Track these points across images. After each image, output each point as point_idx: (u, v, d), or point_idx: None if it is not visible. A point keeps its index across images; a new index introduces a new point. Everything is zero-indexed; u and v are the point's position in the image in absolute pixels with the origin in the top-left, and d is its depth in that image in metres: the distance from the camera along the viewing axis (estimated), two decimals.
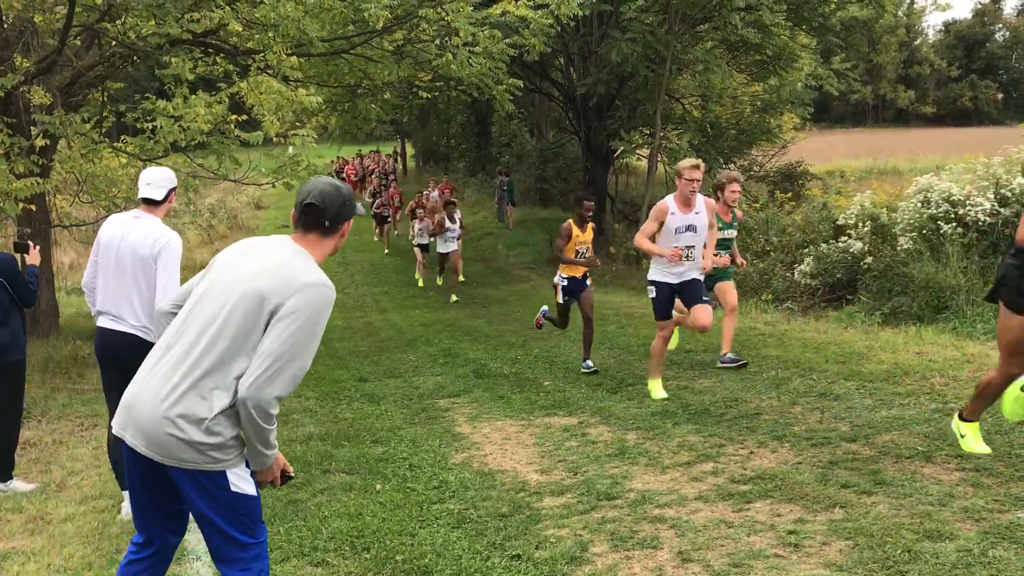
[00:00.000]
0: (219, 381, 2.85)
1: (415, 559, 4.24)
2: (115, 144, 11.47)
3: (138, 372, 3.03)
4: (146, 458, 2.93)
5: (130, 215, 5.13)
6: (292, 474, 3.21)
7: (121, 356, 4.91)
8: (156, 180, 5.11)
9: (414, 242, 18.77)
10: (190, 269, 21.81)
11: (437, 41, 12.42)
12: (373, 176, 28.91)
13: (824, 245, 11.53)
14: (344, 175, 31.72)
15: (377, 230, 24.71)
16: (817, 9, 18.88)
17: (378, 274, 20.37)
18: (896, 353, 8.01)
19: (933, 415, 5.94)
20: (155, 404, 2.86)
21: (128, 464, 3.03)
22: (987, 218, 9.98)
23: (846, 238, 11.21)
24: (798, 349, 8.66)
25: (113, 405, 5.20)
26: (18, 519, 5.32)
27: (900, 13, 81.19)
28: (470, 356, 10.12)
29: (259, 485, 3.05)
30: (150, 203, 5.09)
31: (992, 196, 10.14)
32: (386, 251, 23.42)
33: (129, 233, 4.97)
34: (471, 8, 12.25)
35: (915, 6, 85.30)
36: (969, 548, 3.77)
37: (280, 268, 2.92)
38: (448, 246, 16.58)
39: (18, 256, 6.14)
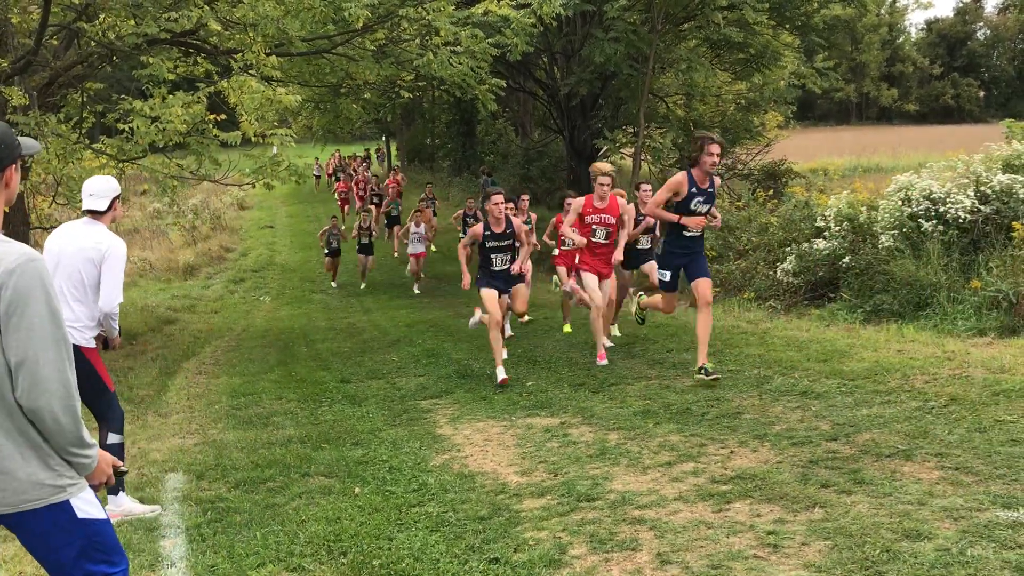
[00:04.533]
0: (10, 406, 2.55)
1: (392, 563, 4.20)
2: (94, 145, 11.37)
3: None
4: None
5: (80, 222, 5.19)
6: (124, 468, 2.94)
7: None
8: (98, 191, 5.13)
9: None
10: (173, 271, 21.72)
11: (418, 41, 12.37)
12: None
13: (806, 244, 11.54)
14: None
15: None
16: (800, 8, 18.95)
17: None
18: (877, 351, 8.02)
19: (914, 413, 5.94)
20: None
21: None
22: (967, 215, 10.01)
23: (822, 240, 11.23)
24: (780, 347, 8.66)
25: None
26: None
27: (883, 11, 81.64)
28: (453, 356, 10.08)
29: (95, 489, 2.76)
30: (94, 213, 5.11)
31: (972, 193, 10.17)
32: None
33: (77, 237, 5.06)
34: (453, 8, 12.20)
35: (898, 5, 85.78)
36: (948, 547, 3.76)
37: None
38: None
39: None
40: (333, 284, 19.77)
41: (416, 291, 18.23)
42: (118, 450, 5.15)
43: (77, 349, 4.94)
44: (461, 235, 18.17)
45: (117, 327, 5.19)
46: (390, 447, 6.38)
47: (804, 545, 3.97)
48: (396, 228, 21.93)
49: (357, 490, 5.40)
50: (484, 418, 7.10)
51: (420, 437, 6.64)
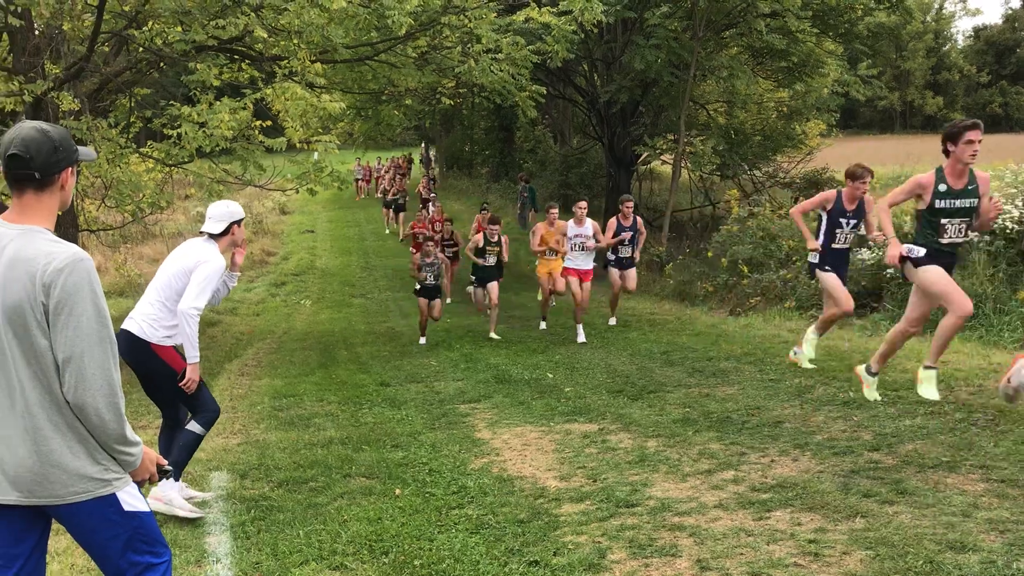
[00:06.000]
0: (59, 401, 2.66)
1: (433, 564, 4.24)
2: (141, 150, 11.60)
3: None
4: (18, 514, 2.70)
5: (199, 239, 5.38)
6: (168, 467, 3.00)
7: (124, 355, 5.08)
8: (217, 215, 5.32)
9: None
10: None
11: (460, 48, 12.46)
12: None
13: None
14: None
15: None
16: (843, 16, 18.75)
17: (401, 279, 20.41)
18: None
19: (958, 424, 5.87)
20: (22, 445, 2.64)
21: None
22: (1015, 225, 9.86)
23: (866, 250, 11.10)
24: (822, 357, 8.58)
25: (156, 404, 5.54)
26: None
27: (929, 19, 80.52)
28: (491, 361, 10.12)
29: (139, 485, 2.86)
30: (211, 235, 5.30)
31: (1020, 203, 10.02)
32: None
33: (185, 250, 5.30)
34: (494, 15, 12.28)
35: (944, 12, 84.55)
36: (993, 560, 3.72)
37: (23, 265, 2.59)
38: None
39: None
40: (423, 340, 12.28)
41: (542, 326, 12.76)
42: (193, 439, 5.23)
43: (146, 345, 5.09)
44: (610, 257, 12.38)
45: (195, 347, 5.10)
46: (430, 450, 6.44)
47: (845, 554, 3.95)
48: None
49: (398, 491, 5.45)
50: (522, 423, 7.13)
51: (459, 441, 6.68)
